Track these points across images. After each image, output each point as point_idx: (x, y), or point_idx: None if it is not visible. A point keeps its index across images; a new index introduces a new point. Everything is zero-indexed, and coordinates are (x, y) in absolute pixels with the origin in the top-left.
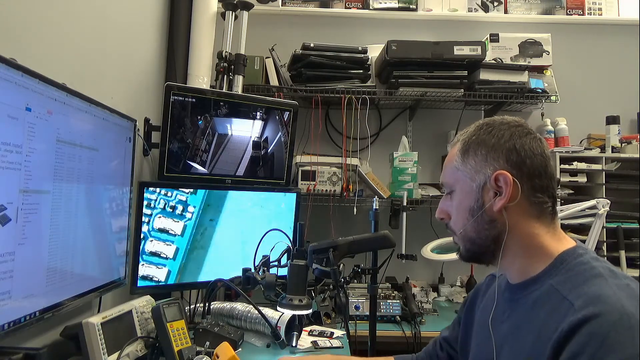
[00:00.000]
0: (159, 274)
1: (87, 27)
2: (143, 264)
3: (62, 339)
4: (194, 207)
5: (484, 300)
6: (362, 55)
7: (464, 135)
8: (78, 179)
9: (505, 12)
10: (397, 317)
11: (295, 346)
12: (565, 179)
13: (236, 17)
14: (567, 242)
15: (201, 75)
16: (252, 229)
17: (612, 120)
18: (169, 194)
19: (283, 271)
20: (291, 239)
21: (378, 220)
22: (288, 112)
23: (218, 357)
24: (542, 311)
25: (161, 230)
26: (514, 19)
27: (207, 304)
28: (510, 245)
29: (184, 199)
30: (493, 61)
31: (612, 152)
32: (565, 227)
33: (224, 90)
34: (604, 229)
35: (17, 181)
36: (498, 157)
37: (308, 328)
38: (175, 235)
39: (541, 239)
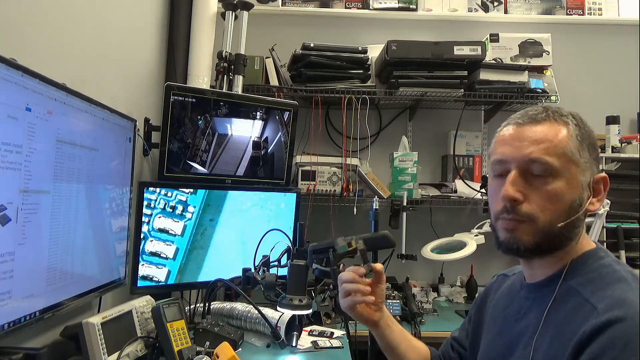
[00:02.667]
0: (159, 274)
1: (87, 27)
2: (143, 264)
3: (62, 339)
4: (194, 207)
5: (495, 299)
6: (362, 55)
7: (570, 119)
8: (78, 179)
9: (505, 12)
10: (397, 317)
11: (295, 346)
12: None
13: (236, 17)
14: (588, 243)
15: (201, 75)
16: (252, 229)
17: (612, 120)
18: (169, 194)
19: (283, 271)
20: (291, 239)
21: (378, 220)
22: (288, 112)
23: (218, 357)
24: (561, 312)
25: (161, 230)
26: (514, 19)
27: (207, 304)
28: (572, 246)
29: (184, 199)
30: (493, 61)
31: (612, 152)
32: None
33: (224, 90)
34: (604, 229)
35: (17, 181)
36: (597, 158)
37: (308, 328)
38: (175, 235)
39: None
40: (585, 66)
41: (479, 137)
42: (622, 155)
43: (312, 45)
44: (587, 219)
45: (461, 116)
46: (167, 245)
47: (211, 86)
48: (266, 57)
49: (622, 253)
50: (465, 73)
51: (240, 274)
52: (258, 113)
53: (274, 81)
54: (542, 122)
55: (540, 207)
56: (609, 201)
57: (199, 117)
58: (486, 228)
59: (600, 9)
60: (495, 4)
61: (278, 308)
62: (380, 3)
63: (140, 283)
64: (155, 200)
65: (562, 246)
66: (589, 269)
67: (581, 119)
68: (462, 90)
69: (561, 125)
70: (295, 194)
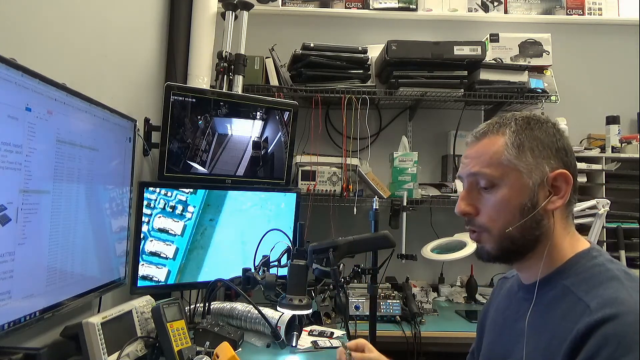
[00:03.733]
0: (159, 274)
1: (87, 27)
2: (143, 264)
3: (62, 339)
4: (194, 207)
5: (497, 303)
6: (362, 55)
7: (509, 127)
8: (78, 179)
9: (505, 12)
10: (397, 317)
11: (295, 346)
12: None
13: (236, 17)
14: (582, 243)
15: (201, 75)
16: (252, 229)
17: (612, 120)
18: (169, 194)
19: (283, 271)
20: (291, 239)
21: (378, 220)
22: (288, 112)
23: (218, 357)
24: (556, 312)
25: (161, 230)
26: (514, 19)
27: (207, 304)
28: (544, 245)
29: (183, 199)
30: (493, 61)
31: (612, 152)
32: None
33: (224, 90)
34: (604, 229)
35: (17, 181)
36: (553, 156)
37: (308, 328)
38: (175, 235)
39: (563, 239)
40: (585, 66)
41: None
42: (622, 155)
43: (312, 45)
44: (587, 219)
45: (461, 116)
46: (167, 245)
47: (211, 86)
48: (266, 57)
49: (622, 253)
50: (465, 73)
51: (240, 274)
52: (258, 113)
53: (274, 81)
54: (482, 138)
55: (490, 216)
56: (608, 201)
57: (199, 117)
58: None
59: (600, 9)
60: (495, 4)
61: (278, 308)
62: (380, 3)
63: (140, 283)
64: (155, 200)
65: (528, 248)
66: (583, 268)
67: (525, 123)
68: (462, 90)
69: (499, 136)
70: (295, 194)
